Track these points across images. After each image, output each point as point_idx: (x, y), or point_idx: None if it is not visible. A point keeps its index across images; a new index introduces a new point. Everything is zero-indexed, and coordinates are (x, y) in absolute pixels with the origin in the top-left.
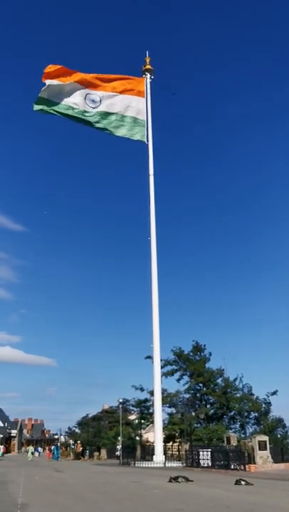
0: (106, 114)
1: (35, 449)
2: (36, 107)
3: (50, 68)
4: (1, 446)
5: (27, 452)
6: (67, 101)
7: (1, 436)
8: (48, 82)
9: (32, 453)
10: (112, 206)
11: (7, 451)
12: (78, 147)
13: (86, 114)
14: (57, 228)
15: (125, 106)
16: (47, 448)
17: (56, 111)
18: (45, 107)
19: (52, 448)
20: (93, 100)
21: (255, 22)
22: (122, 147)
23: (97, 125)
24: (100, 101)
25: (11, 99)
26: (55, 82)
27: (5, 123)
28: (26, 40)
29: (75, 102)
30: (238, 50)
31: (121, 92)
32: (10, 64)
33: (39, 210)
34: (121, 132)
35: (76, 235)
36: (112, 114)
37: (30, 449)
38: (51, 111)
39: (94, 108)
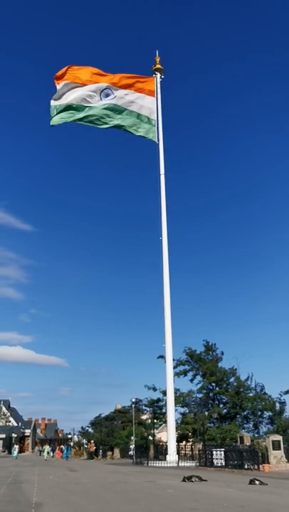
0: (118, 110)
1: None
2: (54, 121)
3: (62, 72)
4: (16, 446)
5: (43, 451)
6: (81, 98)
7: (15, 435)
8: (60, 84)
9: (48, 452)
10: (121, 206)
11: (21, 450)
12: (85, 149)
13: (99, 109)
14: (66, 228)
15: (137, 105)
16: (57, 448)
17: (70, 116)
18: (61, 117)
19: (62, 448)
20: (107, 95)
21: (263, 21)
22: (129, 148)
23: (109, 123)
24: (114, 98)
25: (18, 101)
26: (67, 82)
27: (13, 125)
28: (36, 41)
29: (89, 99)
30: (246, 49)
31: (134, 90)
32: (21, 65)
33: (48, 210)
34: (134, 131)
35: (86, 235)
36: (126, 111)
37: (47, 448)
38: (67, 119)
39: (109, 103)
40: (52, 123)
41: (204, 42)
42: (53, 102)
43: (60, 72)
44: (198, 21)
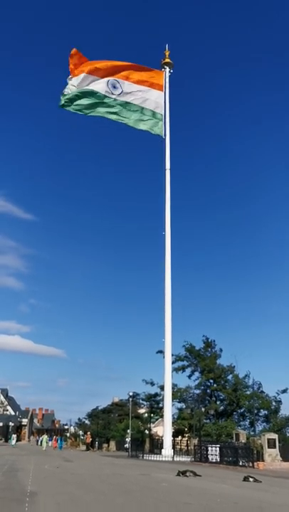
0: (126, 105)
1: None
2: (64, 101)
3: (76, 57)
4: (14, 435)
5: (41, 441)
6: (89, 87)
7: (12, 424)
8: (72, 78)
9: (47, 442)
10: (124, 200)
11: (18, 439)
12: (88, 141)
13: (106, 101)
14: (68, 220)
15: (145, 99)
16: (53, 438)
17: (78, 105)
18: (69, 104)
19: (57, 438)
20: (115, 87)
21: (274, 16)
22: (132, 141)
23: (116, 116)
24: (122, 91)
25: (20, 92)
26: (79, 76)
27: (15, 115)
28: (41, 33)
29: (98, 88)
30: (255, 46)
31: (142, 84)
32: (24, 56)
33: (50, 201)
34: (140, 125)
35: (88, 227)
36: (132, 105)
37: (45, 437)
38: (74, 108)
39: (116, 95)
40: (61, 106)
41: (213, 37)
42: (67, 86)
43: (73, 64)
44: (208, 16)
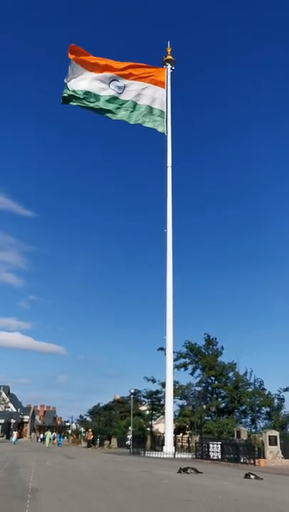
0: (128, 102)
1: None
2: (65, 101)
3: (75, 49)
4: (15, 432)
5: (43, 438)
6: (92, 87)
7: (14, 421)
8: (73, 63)
9: (50, 439)
10: (125, 196)
11: (19, 436)
12: (88, 135)
13: (108, 98)
14: (68, 216)
15: (146, 96)
16: (54, 434)
17: (81, 101)
18: (72, 100)
19: (55, 436)
20: (118, 86)
21: (277, 12)
22: (134, 136)
23: (118, 113)
24: (124, 88)
25: (21, 87)
26: (79, 67)
27: (15, 110)
28: (43, 28)
29: (99, 86)
30: (257, 42)
31: (143, 81)
32: (24, 51)
33: (50, 198)
34: (142, 123)
35: (89, 224)
36: (134, 102)
37: (48, 434)
38: (76, 103)
39: (118, 93)
40: (63, 102)
41: (214, 34)
42: (67, 82)
43: (73, 47)
44: (209, 14)
